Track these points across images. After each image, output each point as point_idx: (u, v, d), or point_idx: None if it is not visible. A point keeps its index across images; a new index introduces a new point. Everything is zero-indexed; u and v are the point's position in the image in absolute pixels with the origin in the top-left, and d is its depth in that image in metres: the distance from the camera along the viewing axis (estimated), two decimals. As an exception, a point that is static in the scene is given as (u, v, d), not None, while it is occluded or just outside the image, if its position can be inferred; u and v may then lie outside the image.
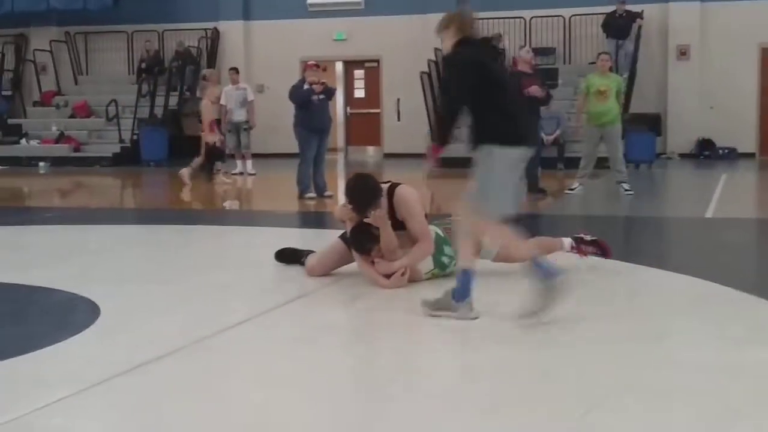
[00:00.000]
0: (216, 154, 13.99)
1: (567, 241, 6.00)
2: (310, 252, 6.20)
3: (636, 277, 6.09)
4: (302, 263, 6.14)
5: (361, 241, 5.59)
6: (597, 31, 18.68)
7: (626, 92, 16.14)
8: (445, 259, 5.70)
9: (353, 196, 5.63)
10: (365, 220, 5.57)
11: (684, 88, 18.56)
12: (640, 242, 8.09)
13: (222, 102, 15.66)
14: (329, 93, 11.72)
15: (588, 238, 6.02)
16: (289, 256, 6.36)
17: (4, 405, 3.44)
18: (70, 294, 5.26)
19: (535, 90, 11.21)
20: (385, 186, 5.69)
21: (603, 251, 6.00)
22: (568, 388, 3.65)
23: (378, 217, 5.49)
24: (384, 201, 5.61)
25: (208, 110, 13.87)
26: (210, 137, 13.73)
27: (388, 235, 5.53)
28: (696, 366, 3.97)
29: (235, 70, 16.30)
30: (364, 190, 5.61)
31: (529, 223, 8.76)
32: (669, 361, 4.08)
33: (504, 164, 4.63)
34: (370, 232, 5.54)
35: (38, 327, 4.93)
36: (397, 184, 5.74)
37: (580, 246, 5.98)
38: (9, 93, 22.18)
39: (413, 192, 5.73)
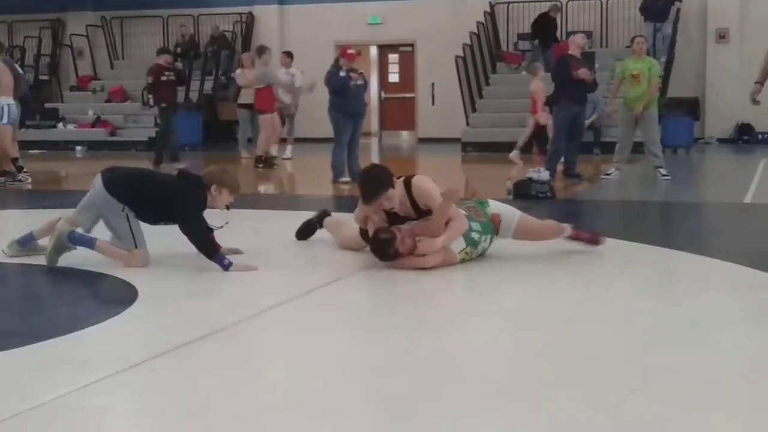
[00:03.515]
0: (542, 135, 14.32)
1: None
2: (322, 215, 6.53)
3: (675, 263, 6.04)
4: (321, 226, 6.51)
5: (381, 252, 5.58)
6: (635, 14, 18.49)
7: (664, 76, 15.98)
8: (474, 235, 5.74)
9: (360, 185, 5.77)
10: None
11: (723, 72, 18.32)
12: (678, 227, 8.01)
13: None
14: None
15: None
16: (306, 231, 6.60)
17: (45, 385, 3.47)
18: (109, 276, 5.30)
19: (584, 73, 11.20)
20: (399, 180, 5.74)
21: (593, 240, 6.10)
22: (611, 373, 3.61)
23: (450, 193, 5.57)
24: (403, 194, 5.67)
25: (540, 90, 14.29)
26: (542, 118, 14.22)
27: (440, 216, 5.55)
28: (739, 352, 3.92)
29: (287, 53, 16.06)
30: (369, 180, 5.72)
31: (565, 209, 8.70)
32: (711, 346, 4.03)
33: None
34: (382, 240, 5.52)
35: (78, 308, 4.98)
36: (412, 176, 5.81)
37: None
38: (46, 77, 22.40)
39: (428, 179, 5.84)
